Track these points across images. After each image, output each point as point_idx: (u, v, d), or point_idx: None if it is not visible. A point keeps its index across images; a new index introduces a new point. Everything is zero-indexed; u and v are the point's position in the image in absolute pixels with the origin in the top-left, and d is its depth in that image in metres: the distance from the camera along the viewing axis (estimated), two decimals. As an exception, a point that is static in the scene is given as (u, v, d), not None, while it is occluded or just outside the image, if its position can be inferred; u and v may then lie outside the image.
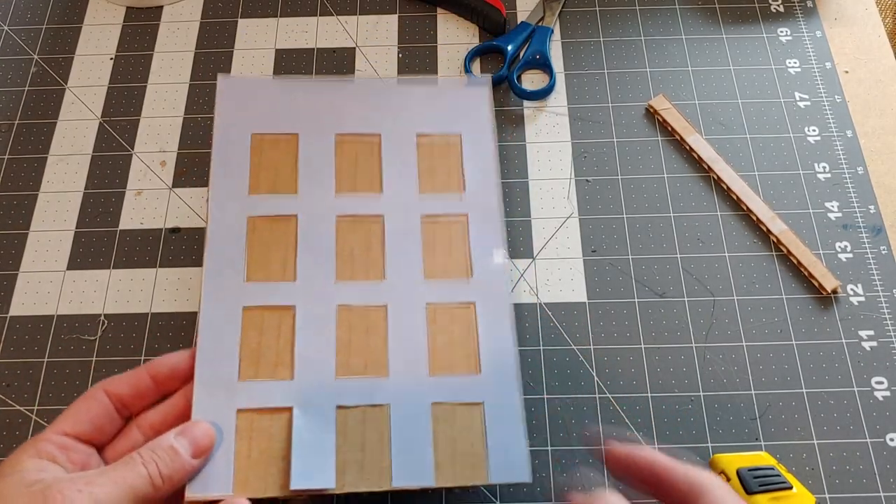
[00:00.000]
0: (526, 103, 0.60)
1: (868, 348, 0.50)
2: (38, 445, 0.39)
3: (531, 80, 0.61)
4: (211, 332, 0.46)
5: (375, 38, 0.63)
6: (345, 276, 0.48)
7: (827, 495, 0.46)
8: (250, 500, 0.41)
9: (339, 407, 0.45)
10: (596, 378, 0.50)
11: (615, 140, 0.58)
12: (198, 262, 0.54)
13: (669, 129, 0.58)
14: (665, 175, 0.56)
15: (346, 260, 0.49)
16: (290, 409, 0.44)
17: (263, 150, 0.52)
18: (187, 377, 0.45)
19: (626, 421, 0.49)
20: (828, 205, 0.55)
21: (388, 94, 0.54)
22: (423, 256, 0.49)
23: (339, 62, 0.62)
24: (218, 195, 0.50)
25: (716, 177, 0.56)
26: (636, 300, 0.52)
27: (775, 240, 0.53)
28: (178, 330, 0.52)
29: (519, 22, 0.63)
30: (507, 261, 0.49)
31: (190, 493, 0.42)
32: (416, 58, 0.62)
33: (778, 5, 0.64)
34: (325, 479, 0.43)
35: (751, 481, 0.43)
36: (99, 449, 0.42)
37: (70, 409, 0.41)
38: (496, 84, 0.60)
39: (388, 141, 0.52)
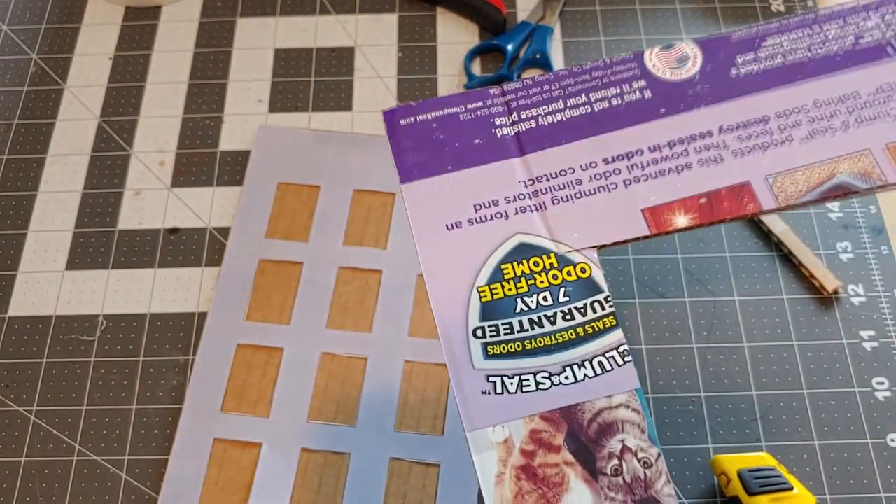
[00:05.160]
0: (526, 103, 0.60)
1: (869, 349, 0.50)
2: None
3: (531, 80, 0.61)
4: (206, 362, 0.50)
5: (375, 37, 0.63)
6: (335, 324, 0.51)
7: (828, 496, 0.46)
8: None
9: (304, 449, 0.47)
10: (596, 378, 0.50)
11: (615, 140, 0.58)
12: (196, 263, 0.54)
13: (670, 128, 0.58)
14: (665, 175, 0.56)
15: (339, 309, 0.52)
16: (260, 445, 0.48)
17: (286, 198, 0.55)
18: None
19: (627, 421, 0.48)
20: (828, 205, 0.55)
21: None
22: (411, 314, 0.51)
23: (338, 61, 0.62)
24: (238, 234, 0.54)
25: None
26: (636, 300, 0.52)
27: (776, 240, 0.53)
28: (177, 330, 0.52)
29: (519, 21, 0.63)
30: None
31: None
32: (416, 57, 0.62)
33: (778, 5, 0.64)
34: None
35: (752, 482, 0.43)
36: None
37: None
38: (496, 83, 0.60)
39: (402, 200, 0.54)
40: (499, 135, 0.35)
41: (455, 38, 0.63)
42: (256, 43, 0.63)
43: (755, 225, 0.54)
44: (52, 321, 0.53)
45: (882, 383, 0.49)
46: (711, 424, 0.48)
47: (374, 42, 0.63)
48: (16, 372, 0.51)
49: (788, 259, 0.53)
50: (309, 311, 0.51)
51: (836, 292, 0.52)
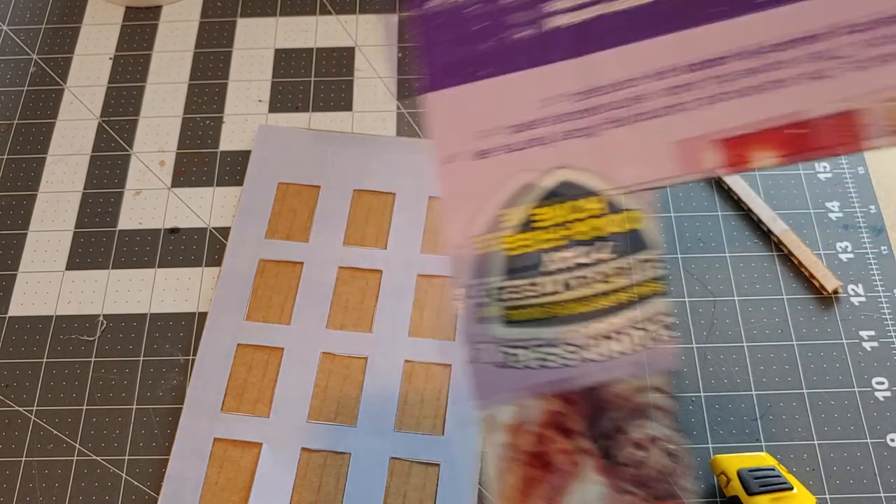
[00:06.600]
0: (526, 103, 0.59)
1: (869, 348, 0.50)
2: None
3: (531, 80, 0.61)
4: (206, 362, 0.50)
5: (375, 37, 0.63)
6: (335, 324, 0.51)
7: (827, 496, 0.46)
8: None
9: (304, 449, 0.47)
10: (596, 378, 0.50)
11: (615, 140, 0.58)
12: (197, 263, 0.54)
13: (670, 128, 0.58)
14: (665, 175, 0.56)
15: (339, 309, 0.51)
16: (260, 445, 0.47)
17: (286, 198, 0.55)
18: None
19: (627, 421, 0.48)
20: (828, 205, 0.55)
21: (410, 156, 0.56)
22: (411, 314, 0.51)
23: (338, 62, 0.62)
24: (237, 234, 0.54)
25: (716, 177, 0.56)
26: (636, 300, 0.52)
27: (776, 240, 0.53)
28: (177, 330, 0.52)
29: (519, 21, 0.63)
30: None
31: None
32: (417, 57, 0.62)
33: None
34: None
35: (751, 482, 0.43)
36: None
37: None
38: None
39: (401, 200, 0.55)
40: (550, 26, 0.27)
41: (455, 38, 0.63)
42: (256, 43, 0.63)
43: (755, 225, 0.54)
44: (52, 321, 0.53)
45: (882, 383, 0.49)
46: (711, 424, 0.48)
47: (375, 42, 0.63)
48: (16, 372, 0.51)
49: (788, 259, 0.53)
50: (309, 311, 0.51)
51: (835, 292, 0.52)
